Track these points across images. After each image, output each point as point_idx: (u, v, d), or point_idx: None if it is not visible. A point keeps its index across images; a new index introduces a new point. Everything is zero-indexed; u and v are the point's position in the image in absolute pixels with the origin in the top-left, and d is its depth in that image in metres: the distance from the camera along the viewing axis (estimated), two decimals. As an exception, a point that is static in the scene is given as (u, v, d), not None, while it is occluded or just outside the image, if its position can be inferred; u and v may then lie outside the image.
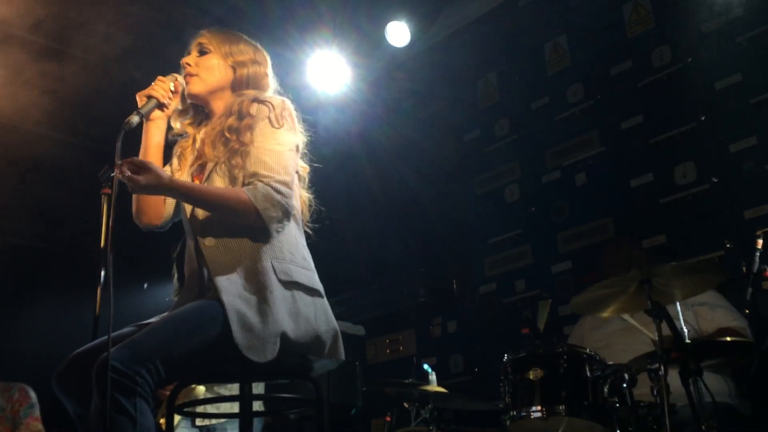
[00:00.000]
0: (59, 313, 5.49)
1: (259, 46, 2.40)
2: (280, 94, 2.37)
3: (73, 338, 2.03)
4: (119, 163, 1.87)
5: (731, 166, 3.72)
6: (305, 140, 2.29)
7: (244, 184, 2.05)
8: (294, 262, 2.09)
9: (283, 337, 1.95)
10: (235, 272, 2.01)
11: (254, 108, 2.15)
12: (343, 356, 2.12)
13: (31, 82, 4.34)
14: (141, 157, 2.16)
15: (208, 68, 2.26)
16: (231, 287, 1.97)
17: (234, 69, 2.28)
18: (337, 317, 2.25)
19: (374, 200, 5.38)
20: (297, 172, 2.24)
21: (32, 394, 4.24)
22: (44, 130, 4.86)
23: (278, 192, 2.02)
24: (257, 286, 1.99)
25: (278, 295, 1.99)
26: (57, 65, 4.22)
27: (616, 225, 4.17)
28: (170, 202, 2.31)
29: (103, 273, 2.31)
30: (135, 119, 2.07)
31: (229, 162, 2.10)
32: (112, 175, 1.89)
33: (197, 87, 2.25)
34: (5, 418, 4.09)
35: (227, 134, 2.13)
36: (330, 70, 4.93)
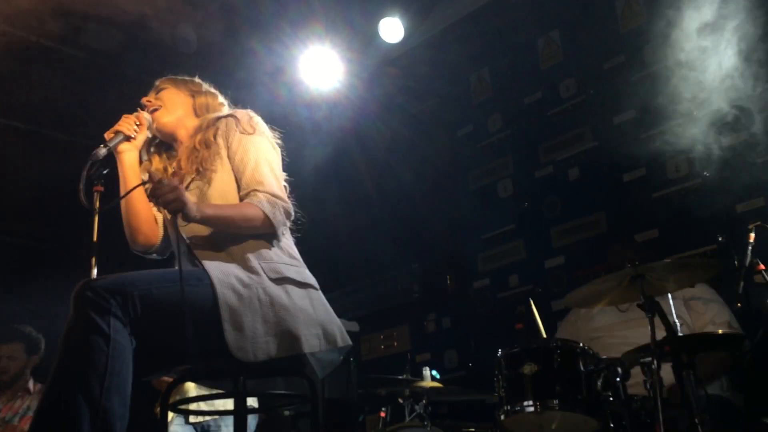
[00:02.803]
0: (43, 311, 5.41)
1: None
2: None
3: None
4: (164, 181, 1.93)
5: (724, 161, 3.73)
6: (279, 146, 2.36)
7: (241, 200, 2.14)
8: (281, 261, 2.15)
9: (285, 333, 1.98)
10: (228, 272, 2.03)
11: (222, 123, 2.29)
12: (350, 342, 2.16)
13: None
14: (123, 182, 2.26)
15: (169, 98, 2.41)
16: (223, 279, 2.00)
17: (193, 96, 2.43)
18: (331, 313, 2.23)
19: (367, 196, 5.38)
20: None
21: None
22: (34, 127, 4.83)
23: (275, 196, 2.13)
24: (249, 283, 2.02)
25: (271, 292, 2.02)
26: (44, 62, 4.18)
27: (609, 219, 4.18)
28: (161, 219, 2.33)
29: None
30: (102, 151, 2.17)
31: (205, 169, 2.22)
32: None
33: (165, 117, 2.37)
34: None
35: (198, 146, 2.26)
36: (323, 66, 4.91)
